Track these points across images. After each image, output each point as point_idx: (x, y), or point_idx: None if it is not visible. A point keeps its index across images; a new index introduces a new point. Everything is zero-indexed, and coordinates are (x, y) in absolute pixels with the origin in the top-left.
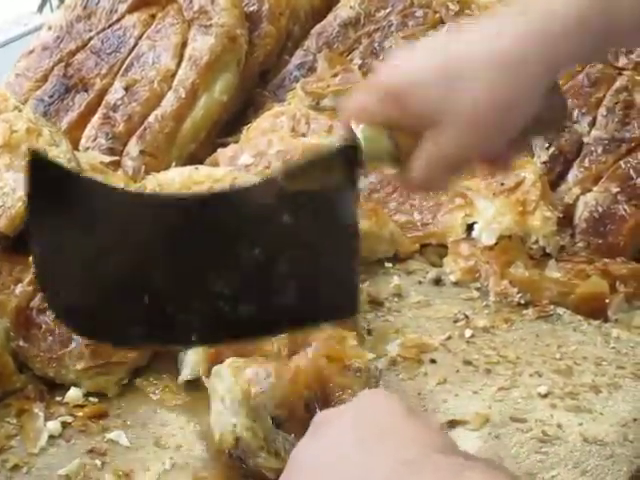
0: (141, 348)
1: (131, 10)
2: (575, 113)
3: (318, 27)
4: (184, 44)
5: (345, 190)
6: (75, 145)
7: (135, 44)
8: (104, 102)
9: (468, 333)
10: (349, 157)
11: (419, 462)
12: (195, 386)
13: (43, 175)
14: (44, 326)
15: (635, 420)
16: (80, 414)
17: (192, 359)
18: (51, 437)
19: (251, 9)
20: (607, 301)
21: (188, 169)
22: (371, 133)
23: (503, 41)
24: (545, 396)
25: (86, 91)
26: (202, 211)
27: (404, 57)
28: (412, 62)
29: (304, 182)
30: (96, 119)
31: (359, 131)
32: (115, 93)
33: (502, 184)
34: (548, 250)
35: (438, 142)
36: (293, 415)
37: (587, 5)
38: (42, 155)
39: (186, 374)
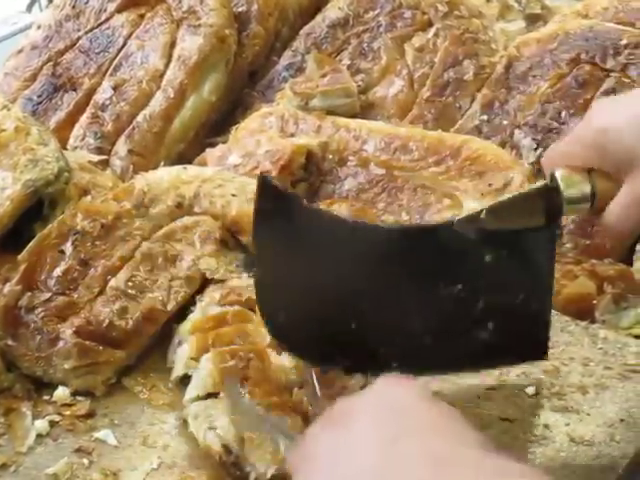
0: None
1: (120, 10)
2: (563, 114)
3: (307, 28)
4: (173, 44)
5: (544, 231)
6: (63, 144)
7: (124, 44)
8: (92, 101)
9: None
10: (550, 199)
11: (453, 459)
12: (183, 385)
13: (269, 198)
14: (32, 325)
15: (622, 421)
16: (68, 413)
17: (182, 355)
18: (39, 436)
19: (240, 9)
20: (594, 302)
21: (176, 169)
22: (571, 177)
23: None
24: (532, 396)
25: (75, 90)
26: (408, 244)
27: (606, 105)
28: (618, 106)
29: (505, 221)
30: (84, 118)
31: (559, 175)
32: (104, 93)
33: (490, 185)
34: None
35: (634, 183)
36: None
37: None
38: (269, 179)
39: (179, 370)
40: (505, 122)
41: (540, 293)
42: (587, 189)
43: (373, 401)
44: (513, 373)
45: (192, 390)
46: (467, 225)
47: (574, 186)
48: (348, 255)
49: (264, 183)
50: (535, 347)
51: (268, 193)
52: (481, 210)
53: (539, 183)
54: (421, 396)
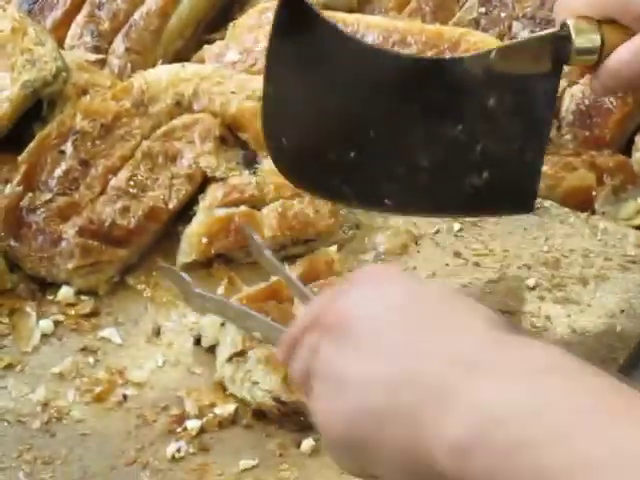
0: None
1: None
2: None
3: None
4: None
5: (549, 78)
6: (60, 44)
7: None
8: (89, 0)
9: (456, 227)
10: (559, 47)
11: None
12: None
13: (290, 9)
14: (34, 226)
15: (622, 311)
16: (72, 312)
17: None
18: (44, 336)
19: None
20: (594, 194)
21: (175, 67)
22: (583, 27)
23: None
24: (533, 288)
25: None
26: (420, 74)
27: None
28: None
29: (514, 63)
30: (81, 17)
31: (571, 24)
32: None
33: None
34: None
35: None
36: None
37: None
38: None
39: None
40: (503, 14)
41: (535, 143)
42: (597, 40)
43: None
44: (514, 266)
45: (224, 351)
46: (476, 62)
47: (584, 36)
48: (360, 79)
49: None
50: (523, 200)
51: (290, 3)
52: (491, 49)
53: (551, 29)
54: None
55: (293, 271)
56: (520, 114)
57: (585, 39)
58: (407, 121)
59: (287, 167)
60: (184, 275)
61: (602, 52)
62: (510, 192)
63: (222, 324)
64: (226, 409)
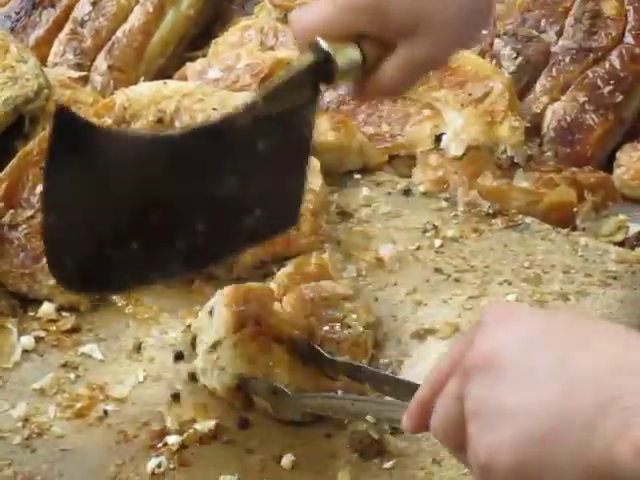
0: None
1: None
2: (542, 23)
3: None
4: None
5: (310, 104)
6: (43, 61)
7: None
8: (71, 18)
9: (437, 243)
10: (322, 72)
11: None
12: (168, 299)
13: (66, 130)
14: (16, 242)
15: None
16: (53, 329)
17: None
18: (25, 352)
19: None
20: (575, 210)
21: (157, 84)
22: (338, 45)
23: None
24: None
25: (53, 7)
26: (192, 145)
27: None
28: None
29: (279, 102)
30: (63, 35)
31: (327, 46)
32: (82, 8)
33: (470, 95)
34: (516, 160)
35: (414, 45)
36: None
37: None
38: (68, 111)
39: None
40: (485, 31)
41: (299, 168)
42: (357, 56)
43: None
44: (494, 282)
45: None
46: (244, 115)
47: (344, 55)
48: (133, 171)
49: (61, 115)
50: (289, 216)
51: (66, 126)
52: (256, 97)
53: (307, 57)
54: None
55: (282, 271)
56: (286, 146)
57: (345, 58)
58: (180, 193)
59: (77, 286)
60: (279, 385)
61: (365, 67)
62: (280, 217)
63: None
64: (206, 425)
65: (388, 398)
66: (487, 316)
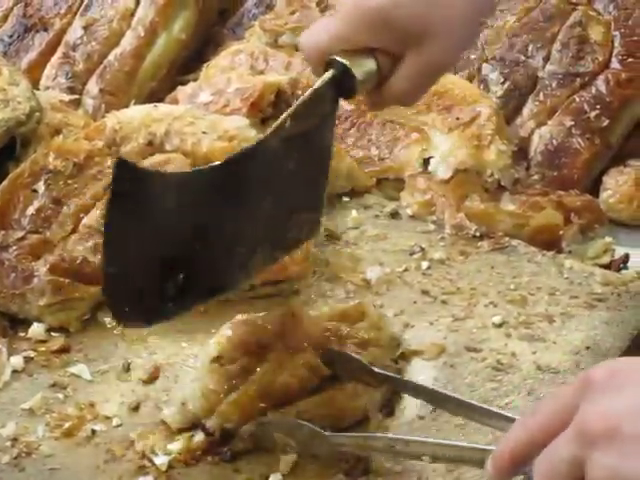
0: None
1: None
2: (530, 48)
3: None
4: None
5: (329, 116)
6: (35, 84)
7: None
8: (64, 41)
9: (424, 265)
10: (342, 85)
11: None
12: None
13: (126, 180)
14: (6, 263)
15: (587, 348)
16: (43, 349)
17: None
18: (14, 372)
19: None
20: (561, 233)
21: (147, 107)
22: (356, 59)
23: None
24: (500, 326)
25: (46, 31)
26: (232, 172)
27: None
28: None
29: (305, 120)
30: (56, 58)
31: (343, 60)
32: (74, 32)
33: (458, 118)
34: (503, 183)
35: (422, 53)
36: None
37: None
38: (128, 163)
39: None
40: (473, 56)
41: (321, 179)
42: (373, 66)
43: None
44: (481, 304)
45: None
46: (274, 136)
47: (361, 66)
48: (182, 207)
49: (121, 165)
50: (314, 229)
51: (125, 174)
52: (285, 118)
53: (327, 74)
54: None
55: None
56: (310, 160)
57: (361, 69)
58: (224, 220)
59: (133, 323)
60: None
61: (380, 75)
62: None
63: None
64: (195, 444)
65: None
66: (596, 376)
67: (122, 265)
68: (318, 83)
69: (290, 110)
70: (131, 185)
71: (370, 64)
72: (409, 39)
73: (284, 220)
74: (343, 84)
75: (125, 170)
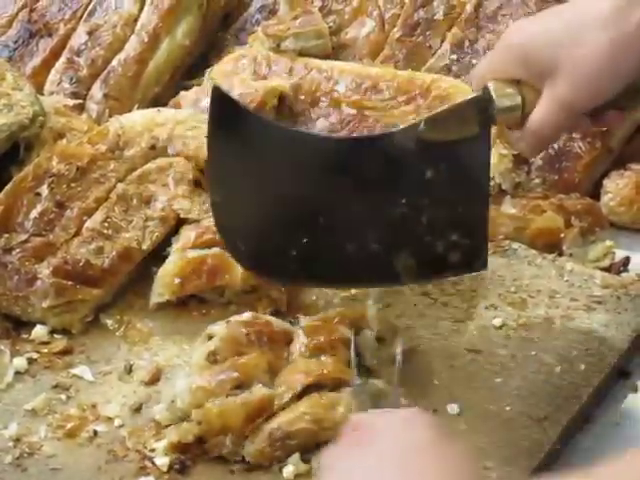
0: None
1: None
2: None
3: None
4: None
5: (479, 141)
6: (40, 90)
7: None
8: (68, 47)
9: None
10: (483, 110)
11: None
12: (160, 322)
13: (223, 108)
14: (10, 265)
15: (587, 350)
16: (45, 351)
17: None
18: (17, 373)
19: None
20: (562, 236)
21: (150, 111)
22: (502, 88)
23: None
24: (500, 328)
25: (50, 36)
26: (356, 153)
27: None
28: (534, 24)
29: (442, 131)
30: (60, 64)
31: (491, 86)
32: (79, 38)
33: None
34: (504, 187)
35: (555, 87)
36: None
37: None
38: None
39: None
40: (475, 61)
41: (477, 205)
42: (517, 99)
43: (391, 436)
44: (481, 305)
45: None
46: (406, 135)
47: (505, 96)
48: (298, 166)
49: (217, 93)
50: (476, 259)
51: (221, 102)
52: (420, 120)
53: (473, 94)
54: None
55: None
56: (457, 179)
57: (505, 99)
58: (348, 200)
59: (249, 265)
60: None
61: (524, 109)
62: (461, 254)
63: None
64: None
65: None
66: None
67: (227, 196)
68: (461, 100)
69: (428, 114)
70: (227, 115)
71: (513, 94)
72: (545, 74)
73: (426, 233)
74: (483, 106)
75: (219, 97)
